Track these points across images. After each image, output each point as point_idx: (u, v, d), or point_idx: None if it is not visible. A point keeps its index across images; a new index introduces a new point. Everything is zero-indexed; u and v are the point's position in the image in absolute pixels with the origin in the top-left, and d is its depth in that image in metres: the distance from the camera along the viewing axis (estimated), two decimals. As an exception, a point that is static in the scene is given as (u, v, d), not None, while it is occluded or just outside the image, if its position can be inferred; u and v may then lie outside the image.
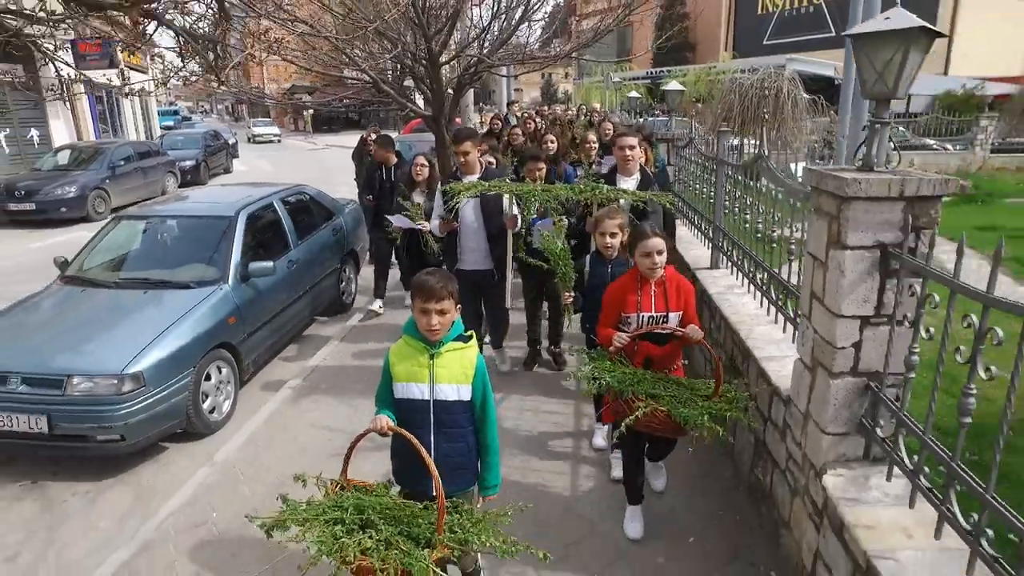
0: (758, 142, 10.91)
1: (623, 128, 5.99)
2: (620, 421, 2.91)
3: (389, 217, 5.87)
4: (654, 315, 3.19)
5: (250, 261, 5.46)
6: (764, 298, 4.06)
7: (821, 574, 2.56)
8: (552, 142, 6.99)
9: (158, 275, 5.38)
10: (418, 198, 6.06)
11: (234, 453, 4.56)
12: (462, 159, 4.90)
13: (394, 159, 6.94)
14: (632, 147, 4.62)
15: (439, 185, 5.33)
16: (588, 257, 4.09)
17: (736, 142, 5.23)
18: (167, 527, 3.83)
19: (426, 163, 6.23)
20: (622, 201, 4.37)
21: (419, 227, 5.53)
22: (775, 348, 3.55)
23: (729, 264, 4.97)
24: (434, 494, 2.23)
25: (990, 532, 1.86)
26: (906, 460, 2.30)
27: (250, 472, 4.32)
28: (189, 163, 18.56)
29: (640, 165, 4.74)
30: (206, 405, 4.88)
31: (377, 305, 7.21)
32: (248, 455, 4.53)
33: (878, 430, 2.47)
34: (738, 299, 4.50)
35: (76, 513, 4.14)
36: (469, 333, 2.62)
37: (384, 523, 2.25)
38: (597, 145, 6.38)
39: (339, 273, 7.22)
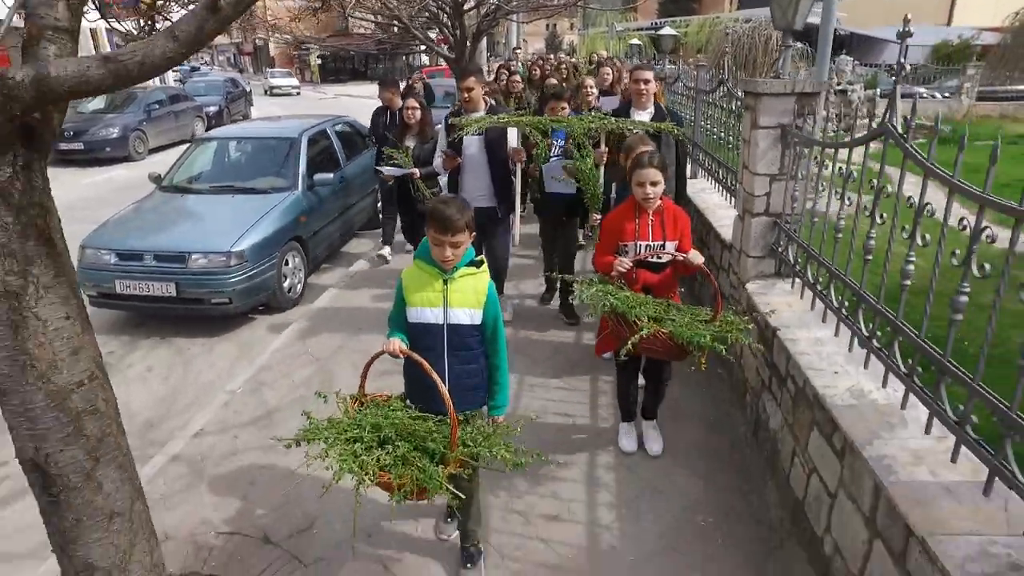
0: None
1: (639, 63, 6.48)
2: (623, 344, 2.92)
3: (379, 168, 5.99)
4: (651, 243, 3.23)
5: (313, 173, 6.70)
6: (721, 187, 5.31)
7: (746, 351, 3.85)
8: (554, 84, 7.26)
9: (241, 184, 6.63)
10: (409, 142, 6.01)
11: (304, 323, 5.82)
12: (466, 95, 4.86)
13: (399, 102, 6.72)
14: (647, 80, 4.68)
15: (437, 127, 5.33)
16: (614, 184, 4.28)
17: (709, 75, 6.37)
18: (268, 367, 5.14)
19: (417, 106, 6.08)
20: (635, 130, 4.36)
21: (410, 172, 5.74)
22: (727, 221, 4.79)
23: (702, 171, 6.20)
24: (445, 411, 2.29)
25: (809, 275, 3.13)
26: (807, 275, 3.57)
27: (314, 339, 5.56)
28: (213, 108, 19.59)
29: (654, 100, 4.81)
30: (285, 285, 6.18)
31: (386, 251, 7.11)
32: (314, 325, 5.79)
33: (784, 252, 3.74)
34: (708, 196, 5.75)
35: (199, 357, 5.48)
36: (480, 259, 2.63)
37: (400, 439, 2.32)
38: (596, 91, 6.56)
39: (375, 194, 8.43)
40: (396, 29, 9.27)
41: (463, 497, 2.35)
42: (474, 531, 3.00)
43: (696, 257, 3.08)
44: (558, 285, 5.48)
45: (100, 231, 5.98)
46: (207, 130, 18.31)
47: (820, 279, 3.25)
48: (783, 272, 3.84)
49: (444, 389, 2.21)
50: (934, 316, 2.30)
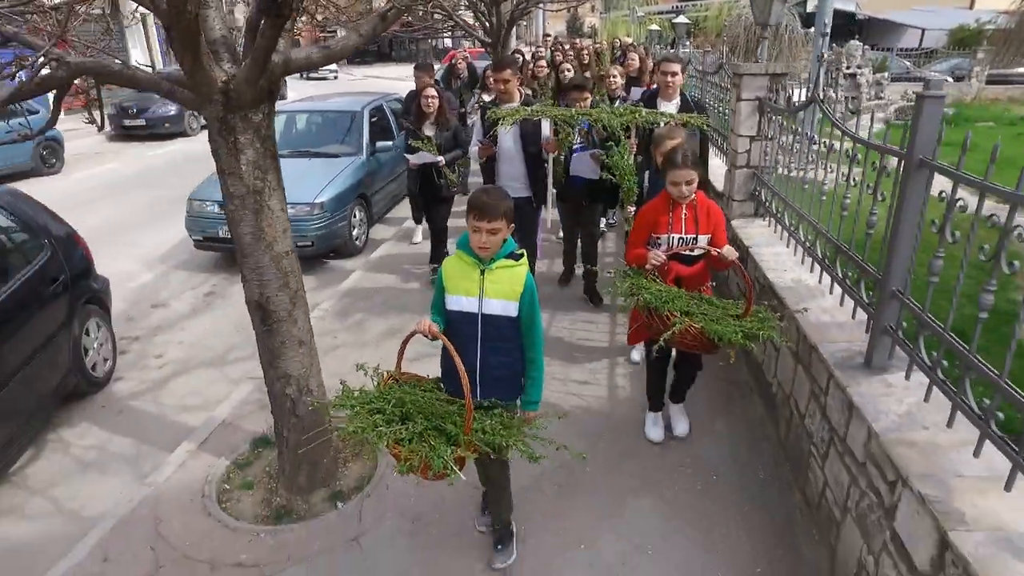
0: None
1: (667, 54, 6.29)
2: (655, 338, 2.98)
3: (408, 156, 5.98)
4: (684, 237, 3.23)
5: (374, 141, 7.89)
6: (718, 149, 6.42)
7: (733, 276, 4.97)
8: (568, 71, 7.24)
9: (315, 149, 7.84)
10: (428, 131, 5.94)
11: (367, 268, 7.01)
12: (502, 86, 4.96)
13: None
14: (675, 73, 4.74)
15: (472, 119, 5.42)
16: (647, 173, 4.30)
17: (713, 59, 7.42)
18: (346, 294, 6.37)
19: (436, 95, 5.98)
20: (662, 123, 4.41)
21: (435, 160, 5.75)
22: (721, 174, 5.88)
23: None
24: (476, 400, 2.31)
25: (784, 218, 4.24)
26: (772, 209, 4.67)
27: (375, 279, 6.76)
28: (255, 89, 20.85)
29: (681, 90, 4.91)
30: (354, 234, 7.39)
31: (419, 235, 7.37)
32: (374, 270, 7.00)
33: (760, 195, 4.86)
34: (712, 160, 6.86)
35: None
36: (520, 252, 2.62)
37: (421, 418, 2.40)
38: (621, 80, 6.49)
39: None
40: (435, 15, 10.26)
41: (464, 478, 2.32)
42: (506, 516, 3.10)
43: (730, 253, 3.07)
44: (579, 269, 5.75)
45: (203, 186, 7.22)
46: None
47: (779, 210, 4.37)
48: (759, 212, 4.95)
49: (463, 371, 2.23)
50: (846, 230, 3.41)
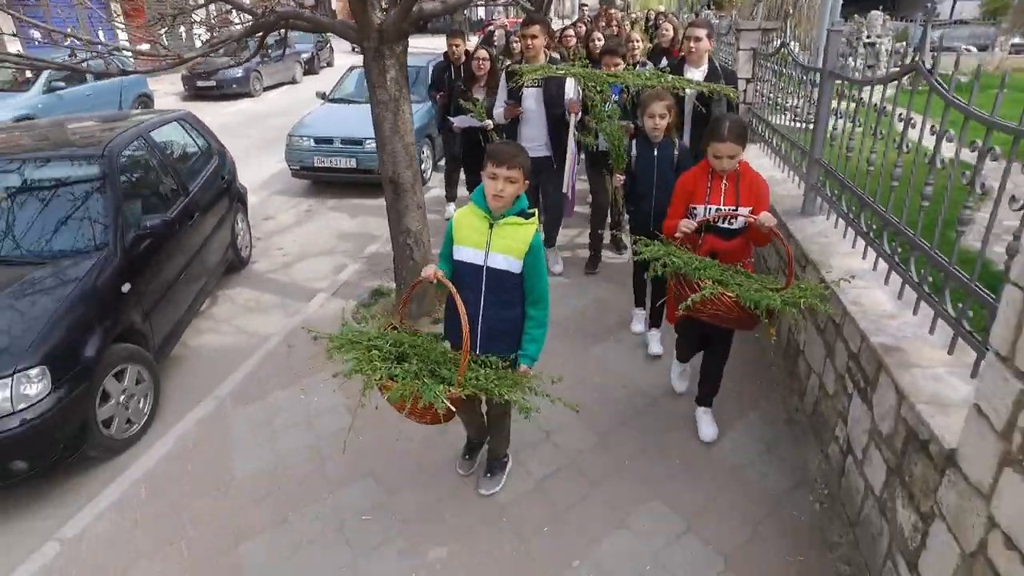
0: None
1: (694, 19, 6.22)
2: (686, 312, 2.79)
3: (452, 119, 5.90)
4: (722, 208, 3.03)
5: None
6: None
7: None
8: (599, 39, 7.09)
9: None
10: (478, 95, 5.87)
11: (430, 201, 8.50)
12: (529, 42, 4.85)
13: (462, 54, 6.61)
14: (699, 38, 4.63)
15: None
16: (634, 141, 4.05)
17: (728, 23, 8.70)
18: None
19: (487, 57, 5.95)
20: (688, 91, 4.36)
21: (483, 125, 5.52)
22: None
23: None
24: (477, 352, 2.38)
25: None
26: (760, 132, 6.04)
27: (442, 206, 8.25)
28: (306, 56, 22.35)
29: (709, 57, 4.78)
30: (423, 168, 8.88)
31: (451, 210, 7.18)
32: (438, 199, 8.48)
33: (752, 124, 6.25)
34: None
35: (371, 209, 8.23)
36: (532, 211, 2.64)
37: (417, 360, 2.44)
38: (640, 44, 6.43)
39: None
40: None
41: (454, 409, 2.35)
42: (501, 450, 3.21)
43: (767, 219, 2.80)
44: (601, 254, 5.69)
45: (299, 125, 8.76)
46: (304, 74, 21.22)
47: (763, 132, 5.76)
48: (752, 140, 6.34)
49: (464, 314, 2.29)
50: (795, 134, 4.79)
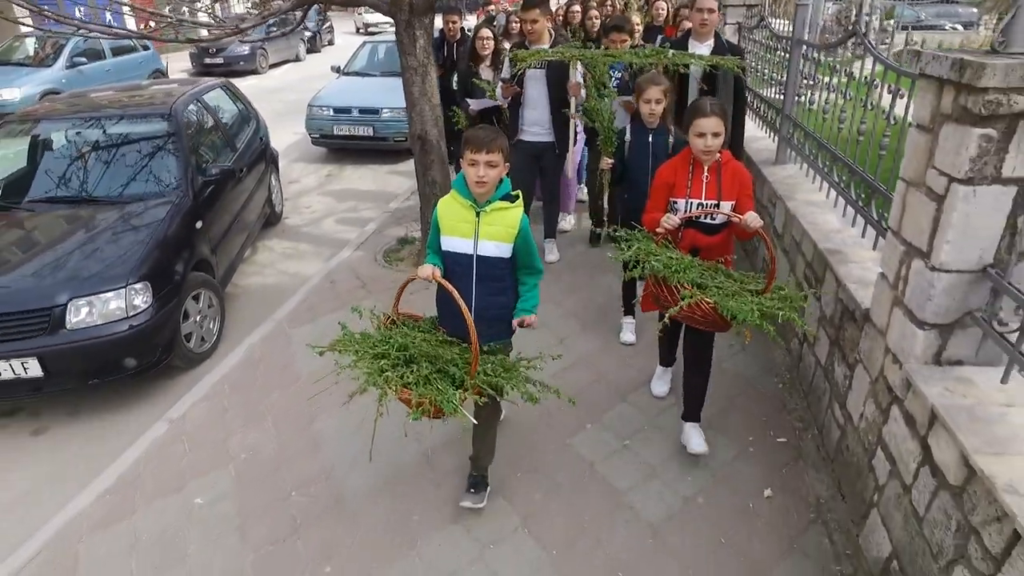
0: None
1: None
2: (663, 311, 2.77)
3: (469, 100, 5.79)
4: (704, 202, 2.91)
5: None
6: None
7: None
8: (595, 17, 6.89)
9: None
10: (485, 74, 5.82)
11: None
12: (530, 27, 4.75)
13: (457, 32, 6.76)
14: (711, 10, 4.52)
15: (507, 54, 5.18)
16: (628, 126, 3.94)
17: None
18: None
19: (490, 36, 5.86)
20: (693, 68, 4.30)
21: (497, 104, 5.48)
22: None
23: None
24: (470, 338, 2.35)
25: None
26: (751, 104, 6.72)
27: None
28: (309, 34, 22.82)
29: (716, 31, 4.69)
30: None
31: None
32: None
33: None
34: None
35: (388, 175, 8.88)
36: (516, 193, 2.60)
37: (425, 361, 2.43)
38: (640, 27, 6.28)
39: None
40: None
41: (476, 422, 2.40)
42: (485, 463, 3.06)
43: (753, 220, 2.70)
44: (603, 231, 5.56)
45: (318, 96, 9.39)
46: (307, 52, 21.72)
47: (751, 100, 6.45)
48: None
49: (470, 319, 2.28)
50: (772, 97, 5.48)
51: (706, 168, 2.92)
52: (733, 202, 2.90)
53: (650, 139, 3.74)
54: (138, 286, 3.94)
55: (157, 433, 3.76)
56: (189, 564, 2.90)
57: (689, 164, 2.95)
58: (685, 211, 2.93)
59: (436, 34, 6.99)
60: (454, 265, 2.65)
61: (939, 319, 2.27)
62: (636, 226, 2.98)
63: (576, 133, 4.99)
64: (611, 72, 4.55)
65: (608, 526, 2.94)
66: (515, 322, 2.69)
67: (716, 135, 2.81)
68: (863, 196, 3.37)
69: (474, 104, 5.72)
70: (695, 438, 3.24)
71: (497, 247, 2.59)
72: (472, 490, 3.02)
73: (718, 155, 2.89)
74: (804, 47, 4.52)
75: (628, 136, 3.87)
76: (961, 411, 2.08)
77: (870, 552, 2.60)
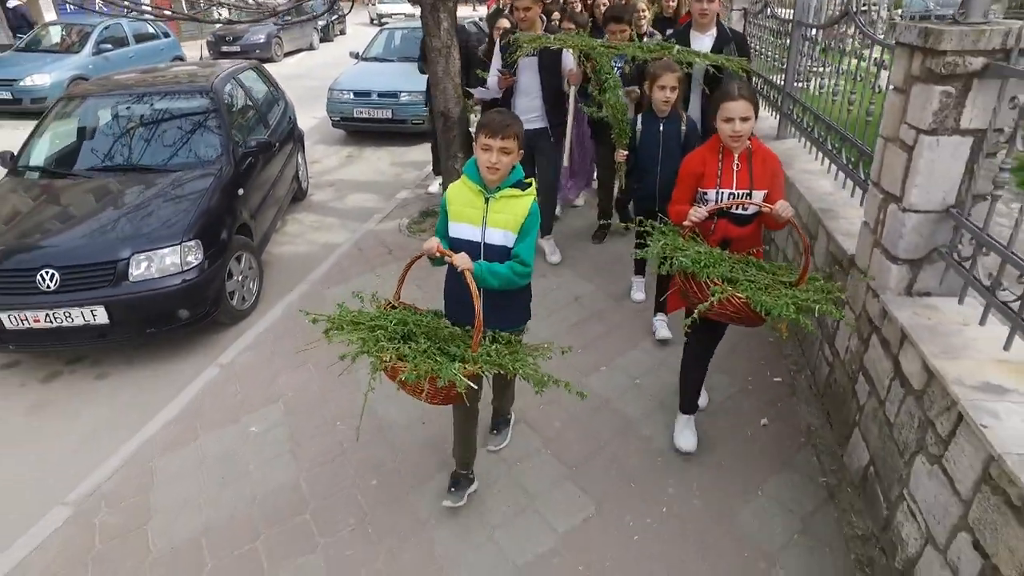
0: None
1: None
2: (692, 308, 2.60)
3: (472, 90, 5.72)
4: (735, 192, 2.78)
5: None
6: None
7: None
8: (603, 5, 6.63)
9: (414, 55, 10.33)
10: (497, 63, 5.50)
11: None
12: (522, 14, 4.72)
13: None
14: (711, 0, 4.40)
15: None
16: (640, 115, 3.87)
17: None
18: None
19: (509, 26, 5.57)
20: (696, 68, 4.20)
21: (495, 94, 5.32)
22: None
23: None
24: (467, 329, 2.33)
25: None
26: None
27: None
28: (322, 23, 23.16)
29: (718, 21, 4.57)
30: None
31: (435, 186, 7.15)
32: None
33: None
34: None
35: (406, 153, 9.25)
36: (528, 180, 2.53)
37: (424, 338, 2.38)
38: (647, 14, 6.00)
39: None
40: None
41: (475, 388, 2.33)
42: (506, 407, 3.24)
43: (785, 209, 2.59)
44: (611, 226, 5.55)
45: (339, 80, 9.76)
46: (321, 41, 22.08)
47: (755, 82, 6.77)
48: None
49: (475, 288, 2.25)
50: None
51: (736, 156, 2.78)
52: (765, 191, 2.77)
53: (661, 128, 3.72)
54: (191, 244, 4.33)
55: (210, 376, 4.15)
56: (250, 479, 3.29)
57: (718, 152, 2.81)
58: (716, 202, 2.80)
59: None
60: (460, 252, 2.47)
61: (910, 255, 2.63)
62: (648, 217, 2.96)
63: (573, 120, 4.86)
64: (613, 64, 4.35)
65: (622, 448, 3.32)
66: (446, 255, 2.42)
67: (745, 119, 2.67)
68: (852, 160, 3.72)
69: (478, 94, 5.56)
70: (687, 434, 3.23)
71: (504, 235, 2.50)
72: (495, 431, 3.24)
73: (748, 142, 2.76)
74: (804, 28, 4.86)
75: (639, 125, 3.85)
76: (925, 329, 2.44)
77: (852, 465, 2.97)
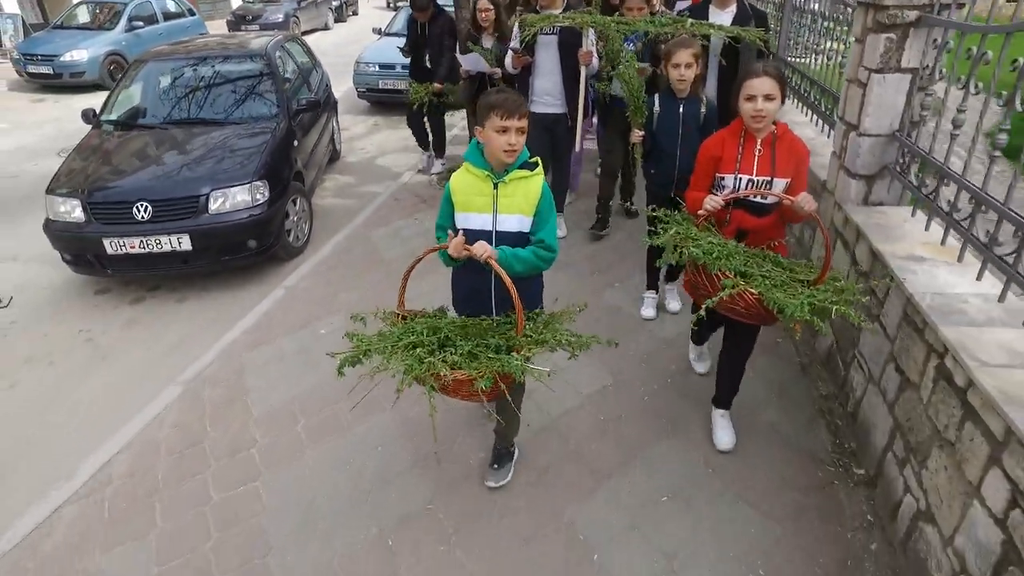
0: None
1: None
2: (702, 301, 2.45)
3: (460, 57, 5.73)
4: (755, 179, 2.61)
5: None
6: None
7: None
8: None
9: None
10: (487, 43, 5.65)
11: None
12: None
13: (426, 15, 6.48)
14: None
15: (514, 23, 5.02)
16: (657, 96, 3.64)
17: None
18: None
19: (490, 6, 5.62)
20: (713, 38, 4.03)
21: (491, 71, 5.46)
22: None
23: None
24: (494, 317, 2.33)
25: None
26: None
27: None
28: (336, 3, 23.73)
29: None
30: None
31: (439, 164, 7.31)
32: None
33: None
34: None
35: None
36: (535, 160, 2.41)
37: (459, 340, 2.26)
38: None
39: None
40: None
41: (549, 373, 2.23)
42: (510, 437, 2.99)
43: (807, 202, 2.46)
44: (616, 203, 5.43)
45: (364, 54, 10.39)
46: (336, 20, 22.67)
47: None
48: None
49: (504, 275, 2.14)
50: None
51: (759, 140, 2.61)
52: (788, 180, 2.61)
53: (680, 109, 3.50)
54: (259, 183, 5.01)
55: (277, 296, 4.85)
56: (325, 365, 3.95)
57: (739, 136, 2.64)
58: (734, 188, 2.66)
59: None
60: (472, 242, 2.31)
61: (865, 171, 3.30)
62: (670, 204, 2.84)
63: (588, 104, 4.73)
64: (625, 44, 4.21)
65: (633, 339, 4.01)
66: (472, 248, 2.28)
67: (769, 99, 2.49)
68: (828, 108, 4.37)
69: (466, 63, 5.60)
70: (721, 431, 3.10)
71: (519, 221, 2.39)
72: (496, 465, 2.99)
73: (773, 126, 2.60)
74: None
75: (656, 107, 3.59)
76: (874, 226, 3.11)
77: (820, 348, 3.66)
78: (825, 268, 2.46)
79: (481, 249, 2.25)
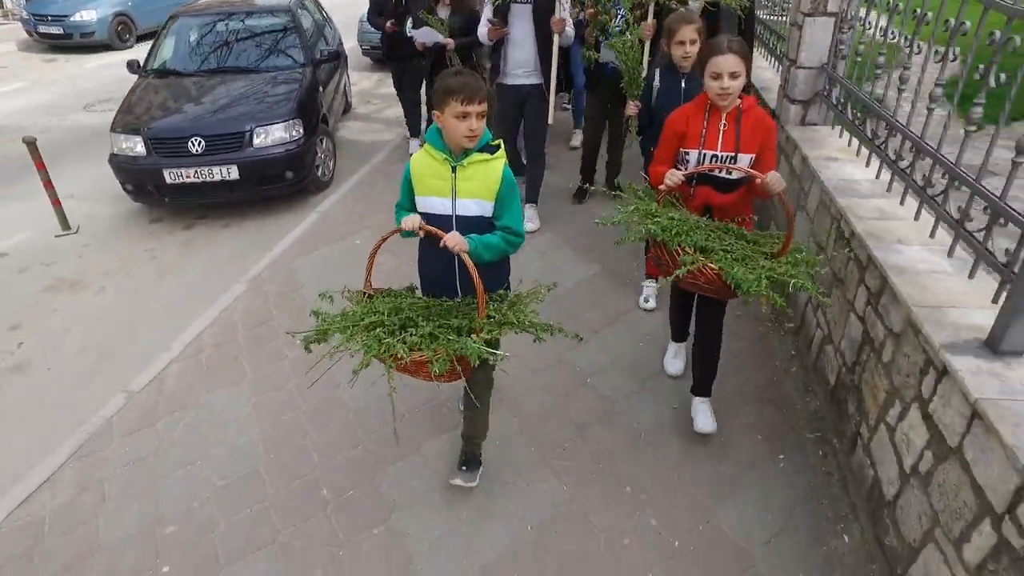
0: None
1: None
2: (664, 276, 2.52)
3: (413, 31, 5.59)
4: (719, 155, 2.61)
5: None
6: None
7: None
8: None
9: None
10: (442, 13, 5.57)
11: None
12: None
13: None
14: None
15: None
16: (657, 70, 3.56)
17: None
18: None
19: None
20: (692, 3, 4.00)
21: (445, 42, 5.38)
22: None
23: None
24: (459, 299, 2.33)
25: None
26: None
27: None
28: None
29: None
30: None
31: (415, 145, 6.84)
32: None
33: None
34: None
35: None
36: (497, 143, 2.35)
37: (422, 320, 2.24)
38: None
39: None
40: None
41: (505, 355, 2.23)
42: (479, 438, 2.93)
43: (776, 182, 2.42)
44: (591, 186, 5.36)
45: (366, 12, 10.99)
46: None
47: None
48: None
49: (468, 260, 2.16)
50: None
51: (724, 115, 2.60)
52: (752, 155, 2.60)
53: (682, 85, 3.42)
54: (294, 121, 5.78)
55: (312, 219, 5.66)
56: (363, 266, 4.81)
57: (705, 110, 2.63)
58: (698, 164, 2.64)
59: None
60: (432, 226, 2.30)
61: (802, 97, 4.12)
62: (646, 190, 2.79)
63: (559, 77, 4.62)
64: (617, 10, 4.18)
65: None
66: (436, 234, 2.26)
67: (734, 76, 2.50)
68: (783, 52, 5.17)
69: (419, 36, 5.47)
70: (702, 417, 3.06)
71: (478, 205, 2.35)
72: (464, 467, 2.89)
73: (739, 100, 2.59)
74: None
75: (656, 81, 3.53)
76: (806, 140, 3.95)
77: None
78: (787, 241, 2.49)
79: (453, 242, 2.24)
